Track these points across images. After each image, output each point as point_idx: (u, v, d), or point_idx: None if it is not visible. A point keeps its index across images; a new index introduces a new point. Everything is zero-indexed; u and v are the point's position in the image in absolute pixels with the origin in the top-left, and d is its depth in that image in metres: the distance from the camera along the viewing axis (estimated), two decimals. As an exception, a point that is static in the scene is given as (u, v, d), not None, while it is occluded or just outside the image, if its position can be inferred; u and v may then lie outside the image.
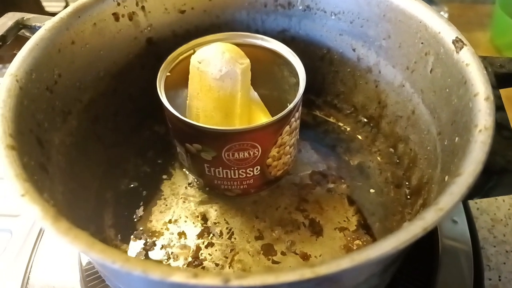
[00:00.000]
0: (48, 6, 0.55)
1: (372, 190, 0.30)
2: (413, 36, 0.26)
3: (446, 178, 0.19)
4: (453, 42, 0.22)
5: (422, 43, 0.25)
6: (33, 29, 0.27)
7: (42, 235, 0.31)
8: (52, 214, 0.15)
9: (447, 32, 0.23)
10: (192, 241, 0.27)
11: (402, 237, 0.14)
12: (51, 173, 0.21)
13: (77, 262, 0.28)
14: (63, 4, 0.57)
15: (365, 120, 0.34)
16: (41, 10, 0.53)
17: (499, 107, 0.22)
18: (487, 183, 0.19)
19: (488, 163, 0.18)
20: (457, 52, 0.22)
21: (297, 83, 0.28)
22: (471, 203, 0.40)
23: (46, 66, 0.23)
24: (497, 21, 0.52)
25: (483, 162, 0.16)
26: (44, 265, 0.30)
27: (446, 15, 0.52)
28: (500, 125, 0.21)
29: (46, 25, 0.24)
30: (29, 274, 0.29)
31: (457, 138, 0.20)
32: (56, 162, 0.23)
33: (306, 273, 0.13)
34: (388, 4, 0.27)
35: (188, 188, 0.30)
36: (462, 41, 0.22)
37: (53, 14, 0.52)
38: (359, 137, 0.34)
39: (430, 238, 0.29)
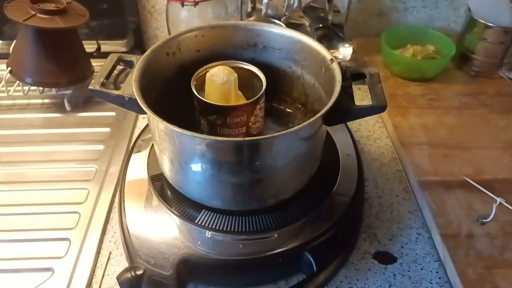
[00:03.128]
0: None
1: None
2: (316, 58, 0.53)
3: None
4: (329, 60, 0.50)
5: (319, 61, 0.52)
6: (126, 62, 0.52)
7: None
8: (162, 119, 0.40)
9: (327, 56, 0.50)
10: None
11: (301, 125, 0.40)
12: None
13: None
14: (96, 46, 0.82)
15: (300, 105, 0.60)
16: (84, 52, 0.77)
17: (349, 86, 0.49)
18: (341, 114, 0.46)
19: (340, 106, 0.45)
20: (331, 64, 0.49)
21: (261, 86, 0.54)
22: (367, 154, 0.68)
23: (142, 76, 0.48)
24: (383, 50, 0.82)
25: (334, 101, 0.43)
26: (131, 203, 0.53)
27: (351, 47, 0.81)
28: (349, 94, 0.48)
29: (140, 59, 0.49)
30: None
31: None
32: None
33: (274, 134, 0.39)
34: (303, 43, 0.54)
35: (207, 143, 0.55)
36: (333, 59, 0.49)
37: (90, 53, 0.76)
38: (297, 115, 0.61)
39: (334, 154, 0.56)
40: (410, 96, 0.76)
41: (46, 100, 0.78)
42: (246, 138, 0.39)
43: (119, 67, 0.54)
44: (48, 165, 0.65)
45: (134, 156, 0.58)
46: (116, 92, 0.47)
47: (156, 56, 0.51)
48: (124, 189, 0.54)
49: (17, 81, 0.74)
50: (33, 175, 0.64)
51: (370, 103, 0.47)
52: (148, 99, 0.48)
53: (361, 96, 0.78)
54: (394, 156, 0.68)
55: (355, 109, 0.46)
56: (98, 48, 0.81)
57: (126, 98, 0.46)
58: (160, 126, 0.44)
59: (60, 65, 0.72)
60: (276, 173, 0.45)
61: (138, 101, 0.43)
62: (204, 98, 0.52)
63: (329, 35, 0.81)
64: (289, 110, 0.61)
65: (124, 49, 0.89)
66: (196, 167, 0.45)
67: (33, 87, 0.75)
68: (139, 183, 0.55)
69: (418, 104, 0.74)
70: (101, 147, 0.68)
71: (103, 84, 0.48)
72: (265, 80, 0.53)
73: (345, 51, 0.81)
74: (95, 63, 0.79)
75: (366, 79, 0.50)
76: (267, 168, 0.44)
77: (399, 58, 0.79)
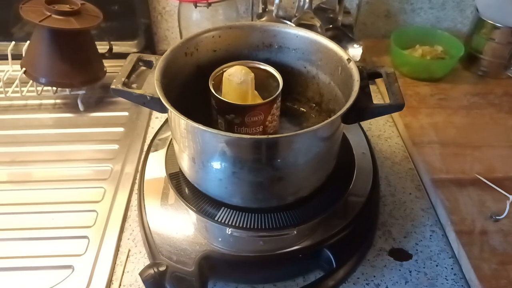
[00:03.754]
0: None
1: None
2: (332, 58, 0.54)
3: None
4: (347, 60, 0.51)
5: (335, 61, 0.53)
6: (146, 62, 0.53)
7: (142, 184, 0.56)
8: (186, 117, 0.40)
9: (344, 56, 0.51)
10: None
11: (322, 124, 0.41)
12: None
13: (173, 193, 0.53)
14: (107, 47, 0.82)
15: (314, 105, 0.61)
16: (97, 52, 0.78)
17: (367, 86, 0.50)
18: (359, 113, 0.47)
19: (358, 104, 0.46)
20: (348, 64, 0.50)
21: (277, 85, 0.55)
22: (379, 153, 0.69)
23: (163, 76, 0.48)
24: (392, 51, 0.83)
25: (354, 100, 0.44)
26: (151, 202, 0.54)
27: (361, 47, 0.82)
28: (366, 93, 0.49)
29: (160, 59, 0.50)
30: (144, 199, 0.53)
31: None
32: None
33: (297, 132, 0.40)
34: (319, 43, 0.55)
35: (224, 142, 0.56)
36: (350, 59, 0.50)
37: (103, 55, 0.76)
38: (312, 115, 0.62)
39: (349, 153, 0.57)
40: (420, 96, 0.77)
41: (59, 101, 0.78)
42: (270, 136, 0.40)
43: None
44: (63, 165, 0.66)
45: (151, 155, 0.59)
46: (138, 91, 0.47)
47: (175, 56, 0.52)
48: (143, 187, 0.54)
49: (30, 82, 0.75)
50: (48, 175, 0.64)
51: (381, 102, 0.47)
52: (168, 98, 0.49)
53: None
54: (405, 155, 0.69)
55: (373, 108, 0.47)
56: (110, 49, 0.82)
57: (148, 97, 0.47)
58: (182, 124, 0.45)
59: (74, 66, 0.72)
60: (296, 171, 0.46)
61: (161, 99, 0.44)
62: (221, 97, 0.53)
63: (339, 36, 0.82)
64: (303, 110, 0.62)
65: (135, 50, 0.90)
66: (218, 165, 0.45)
67: (46, 88, 0.76)
68: (156, 182, 0.56)
69: (428, 104, 0.75)
70: (115, 146, 0.69)
71: (124, 84, 0.48)
72: (282, 80, 0.54)
73: (355, 51, 0.82)
74: (107, 63, 0.80)
75: (382, 79, 0.51)
76: (287, 166, 0.45)
77: (408, 59, 0.80)
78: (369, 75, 0.51)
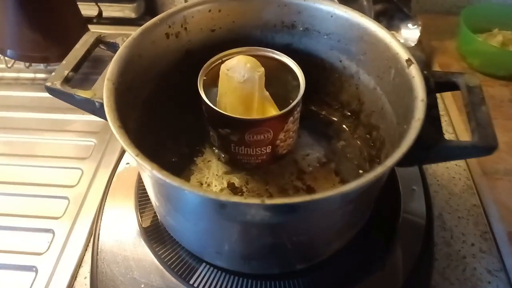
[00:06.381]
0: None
1: (353, 166, 0.41)
2: (381, 54, 0.36)
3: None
4: (406, 61, 0.33)
5: (387, 59, 0.35)
6: (108, 44, 0.37)
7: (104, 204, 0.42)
8: (157, 168, 0.25)
9: (403, 54, 0.33)
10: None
11: (361, 180, 0.25)
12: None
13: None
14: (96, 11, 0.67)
15: (349, 113, 0.44)
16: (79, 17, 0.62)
17: (434, 105, 0.32)
18: (422, 154, 0.29)
19: (421, 141, 0.29)
20: (408, 68, 0.32)
21: (298, 86, 0.38)
22: (432, 179, 0.51)
23: (126, 72, 0.33)
24: (462, 34, 0.63)
25: (413, 140, 0.27)
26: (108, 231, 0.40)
27: (419, 29, 0.62)
28: (433, 118, 0.31)
29: (124, 44, 0.34)
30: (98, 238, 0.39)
31: (405, 126, 0.31)
32: (133, 138, 0.33)
33: (307, 198, 0.23)
34: (364, 29, 0.37)
35: (216, 162, 0.41)
36: (411, 60, 0.32)
37: (89, 18, 0.61)
38: (344, 126, 0.45)
39: (393, 190, 0.41)
40: (495, 100, 0.57)
41: (34, 75, 0.64)
42: (267, 201, 0.24)
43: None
44: (38, 135, 0.54)
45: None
46: (83, 94, 0.32)
47: (150, 38, 0.36)
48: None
49: (-1, 55, 0.61)
50: (20, 147, 0.52)
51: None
52: (134, 101, 0.34)
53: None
54: (468, 183, 0.50)
55: (445, 148, 0.29)
56: (100, 13, 0.66)
57: (97, 104, 0.31)
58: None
59: (47, 35, 0.58)
60: (309, 238, 0.30)
61: (107, 116, 0.28)
62: (216, 99, 0.37)
63: (390, 11, 0.63)
64: (333, 118, 0.45)
65: (133, 15, 0.73)
66: (192, 222, 0.30)
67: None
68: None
69: (506, 113, 0.56)
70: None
71: (67, 80, 0.33)
72: (304, 81, 0.37)
73: (409, 33, 0.62)
74: (96, 30, 0.64)
75: (461, 93, 0.32)
76: (296, 234, 0.29)
77: (483, 47, 0.60)
78: (438, 86, 0.33)
